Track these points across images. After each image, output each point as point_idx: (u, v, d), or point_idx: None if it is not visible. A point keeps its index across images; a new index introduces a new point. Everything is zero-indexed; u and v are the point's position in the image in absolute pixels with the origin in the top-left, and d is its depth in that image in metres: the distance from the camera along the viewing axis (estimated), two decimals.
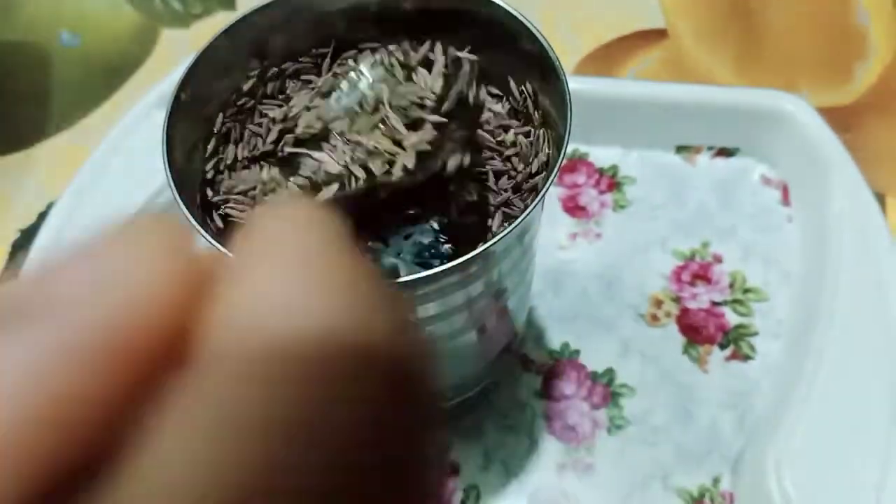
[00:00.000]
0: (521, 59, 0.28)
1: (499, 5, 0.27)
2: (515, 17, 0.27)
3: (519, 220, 0.24)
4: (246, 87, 0.29)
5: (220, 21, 0.52)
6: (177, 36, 0.51)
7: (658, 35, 0.49)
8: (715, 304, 0.40)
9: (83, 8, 0.52)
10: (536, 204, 0.24)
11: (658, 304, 0.40)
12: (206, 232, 0.24)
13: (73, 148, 0.47)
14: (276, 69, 0.30)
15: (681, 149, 0.44)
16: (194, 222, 0.24)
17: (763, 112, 0.42)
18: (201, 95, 0.27)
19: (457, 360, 0.32)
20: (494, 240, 0.23)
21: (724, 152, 0.44)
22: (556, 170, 0.25)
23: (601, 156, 0.44)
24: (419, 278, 0.23)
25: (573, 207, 0.43)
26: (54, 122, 0.48)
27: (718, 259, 0.41)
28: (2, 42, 0.51)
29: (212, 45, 0.27)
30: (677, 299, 0.40)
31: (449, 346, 0.30)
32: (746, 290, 0.40)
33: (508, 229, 0.23)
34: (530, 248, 0.29)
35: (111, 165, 0.41)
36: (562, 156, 0.25)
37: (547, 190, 0.24)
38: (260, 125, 0.29)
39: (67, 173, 0.43)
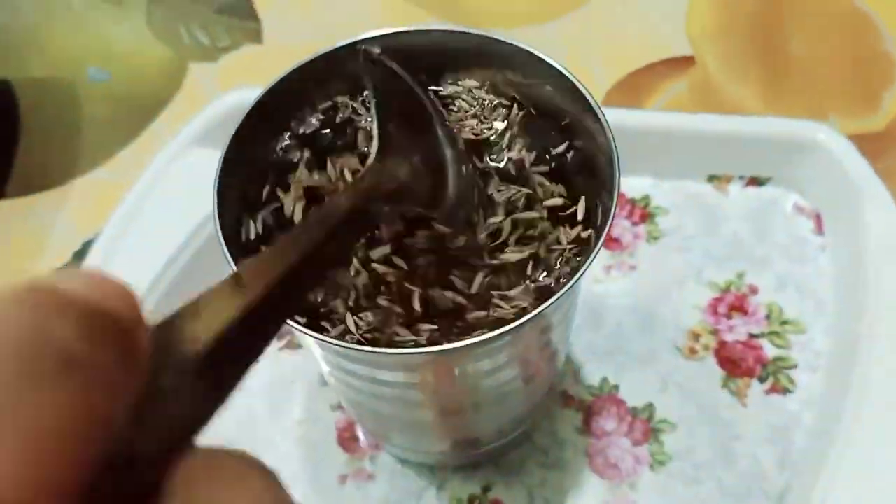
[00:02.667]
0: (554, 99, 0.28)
1: (535, 55, 0.28)
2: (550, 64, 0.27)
3: (577, 276, 0.24)
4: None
5: (247, 54, 0.52)
6: (205, 70, 0.51)
7: (685, 63, 0.49)
8: (752, 336, 0.40)
9: (110, 43, 0.53)
10: (592, 259, 0.24)
11: (695, 337, 0.40)
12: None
13: (106, 184, 0.47)
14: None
15: (712, 178, 0.44)
16: (233, 265, 0.24)
17: (794, 141, 0.42)
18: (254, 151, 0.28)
19: (503, 407, 0.32)
20: (551, 301, 0.23)
21: (756, 181, 0.44)
22: (611, 216, 0.25)
23: (633, 186, 0.44)
24: (473, 343, 0.23)
25: (607, 239, 0.43)
26: (86, 158, 0.48)
27: (754, 290, 0.41)
28: (30, 78, 0.52)
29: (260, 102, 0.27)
30: (714, 332, 0.40)
31: (495, 395, 0.30)
32: (783, 322, 0.40)
33: (566, 287, 0.23)
34: (577, 297, 0.29)
35: (147, 205, 0.41)
36: (615, 199, 0.25)
37: (602, 242, 0.25)
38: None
39: (101, 211, 0.43)
